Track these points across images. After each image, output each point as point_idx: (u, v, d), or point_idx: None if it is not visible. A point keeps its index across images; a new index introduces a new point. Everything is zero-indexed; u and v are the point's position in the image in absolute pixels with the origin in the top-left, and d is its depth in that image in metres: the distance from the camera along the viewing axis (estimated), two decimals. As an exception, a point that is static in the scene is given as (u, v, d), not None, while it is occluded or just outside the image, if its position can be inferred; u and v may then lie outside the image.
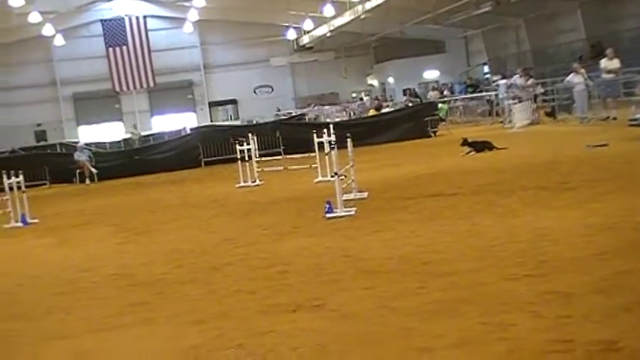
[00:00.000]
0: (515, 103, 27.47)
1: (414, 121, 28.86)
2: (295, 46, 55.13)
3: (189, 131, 34.50)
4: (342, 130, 19.55)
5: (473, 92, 38.41)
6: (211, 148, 27.60)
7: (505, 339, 5.15)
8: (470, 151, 18.83)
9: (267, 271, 8.26)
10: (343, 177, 12.55)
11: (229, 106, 55.73)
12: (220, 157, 26.62)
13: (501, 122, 29.30)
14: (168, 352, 5.78)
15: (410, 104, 33.75)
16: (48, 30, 47.12)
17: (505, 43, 44.91)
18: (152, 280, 8.58)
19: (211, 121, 51.09)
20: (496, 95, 32.40)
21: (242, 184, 18.14)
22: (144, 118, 53.29)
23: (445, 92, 41.78)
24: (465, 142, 19.22)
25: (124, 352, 5.95)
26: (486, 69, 47.36)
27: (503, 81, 30.96)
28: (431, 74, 50.68)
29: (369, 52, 54.48)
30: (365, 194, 13.37)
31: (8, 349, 6.35)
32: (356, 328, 5.83)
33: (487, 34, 46.14)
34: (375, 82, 55.45)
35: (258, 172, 18.52)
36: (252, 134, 19.52)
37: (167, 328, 6.48)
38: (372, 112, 33.98)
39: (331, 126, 15.13)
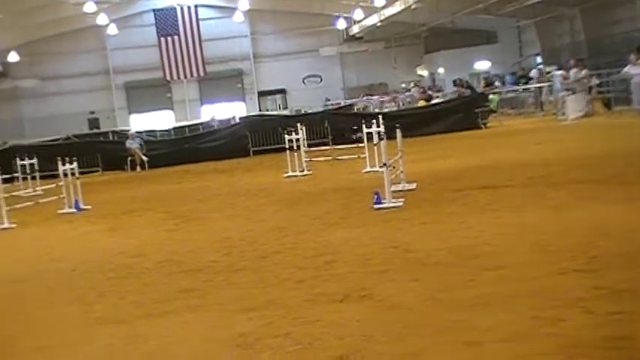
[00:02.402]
0: (568, 95, 27.01)
1: (465, 112, 28.56)
2: (345, 36, 54.98)
3: (238, 120, 34.69)
4: (391, 120, 19.47)
5: (526, 83, 37.85)
6: (260, 137, 27.74)
7: (556, 334, 5.08)
8: None
9: (315, 261, 8.29)
10: (392, 168, 12.51)
11: (278, 96, 55.90)
12: (269, 147, 26.76)
13: (554, 114, 28.84)
14: (216, 339, 5.84)
15: (461, 94, 33.34)
16: (102, 19, 47.86)
17: (559, 34, 44.08)
18: (201, 267, 8.68)
19: (260, 111, 51.32)
20: (550, 86, 31.87)
21: (290, 173, 18.20)
22: (193, 106, 53.78)
23: (496, 83, 41.23)
24: None
25: (173, 337, 6.03)
26: (539, 59, 46.59)
27: (559, 72, 30.41)
28: (482, 65, 50.07)
29: (419, 42, 54.07)
30: (413, 185, 13.30)
31: (64, 332, 6.49)
32: (403, 319, 5.82)
33: (540, 24, 45.35)
34: (425, 73, 55.04)
35: (306, 161, 18.56)
36: (301, 124, 19.56)
37: (216, 315, 6.56)
38: (421, 103, 33.74)
39: (380, 116, 15.08)
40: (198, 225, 12.27)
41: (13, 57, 48.14)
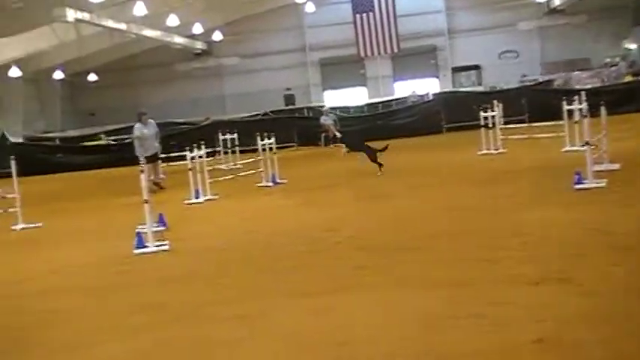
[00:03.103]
0: None
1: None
2: (546, 9, 52.74)
3: (431, 97, 34.39)
4: (594, 97, 18.46)
5: None
6: (453, 114, 27.34)
7: None
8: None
9: (508, 241, 8.03)
10: (594, 147, 11.85)
11: (472, 72, 54.72)
12: (462, 124, 26.27)
13: None
14: (403, 317, 5.81)
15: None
16: (301, -2, 49.13)
17: None
18: (388, 244, 8.69)
19: (454, 87, 50.55)
20: None
21: (484, 151, 17.79)
22: (386, 83, 53.93)
23: None
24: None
25: (360, 312, 6.06)
26: None
27: None
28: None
29: (627, 13, 50.74)
30: (617, 166, 12.53)
31: (261, 302, 6.73)
32: (601, 306, 5.51)
33: None
34: (634, 46, 51.64)
35: (501, 139, 18.06)
36: (497, 100, 19.04)
37: (404, 292, 6.52)
38: (628, 78, 31.74)
39: (582, 93, 14.34)
40: (388, 202, 12.30)
41: (217, 36, 50.60)
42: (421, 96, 38.77)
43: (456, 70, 55.13)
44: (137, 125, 17.86)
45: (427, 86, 48.35)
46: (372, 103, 42.16)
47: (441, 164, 17.08)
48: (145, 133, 17.57)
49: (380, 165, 16.09)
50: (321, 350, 5.21)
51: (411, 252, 8.08)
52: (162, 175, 18.03)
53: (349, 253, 8.41)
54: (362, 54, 52.53)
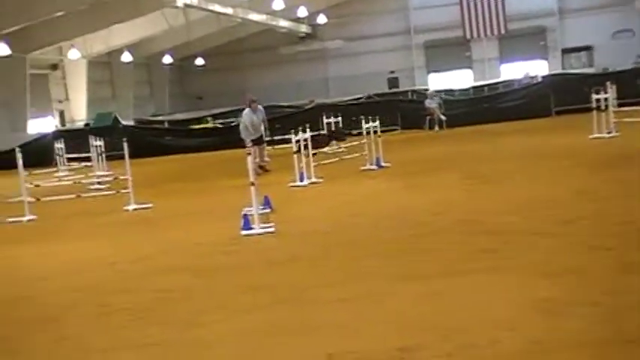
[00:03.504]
0: None
1: None
2: (664, -14, 50.29)
3: (540, 79, 33.43)
4: None
5: None
6: (563, 96, 26.49)
7: None
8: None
9: (623, 228, 7.71)
10: None
11: (583, 53, 52.88)
12: (573, 107, 25.40)
13: None
14: (518, 303, 5.65)
15: None
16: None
17: None
18: (500, 228, 8.48)
19: (563, 69, 48.97)
20: None
21: (596, 135, 17.14)
22: (492, 65, 52.82)
23: None
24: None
25: (473, 297, 5.94)
26: None
27: None
28: None
29: None
30: None
31: (367, 285, 6.69)
32: None
33: None
34: None
35: (614, 122, 17.36)
36: (610, 82, 18.32)
37: (515, 278, 6.36)
38: None
39: None
40: (495, 186, 12.04)
41: (321, 19, 50.76)
42: (532, 77, 37.74)
43: (566, 51, 53.39)
44: (247, 111, 18.10)
45: (536, 68, 47.04)
46: (478, 86, 41.39)
47: (552, 148, 16.57)
48: (254, 121, 17.79)
49: None
50: (429, 334, 5.12)
51: (527, 236, 7.87)
52: (267, 159, 18.24)
53: (457, 237, 8.27)
54: (468, 36, 51.63)
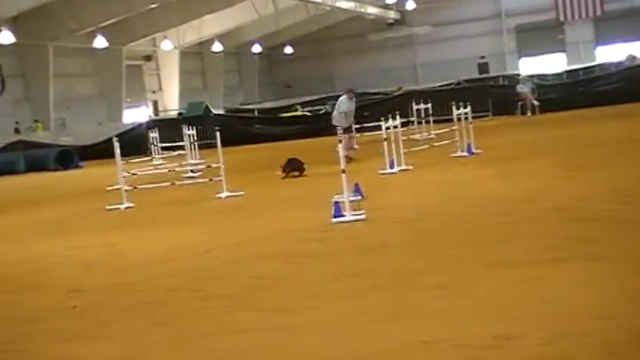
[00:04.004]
0: None
1: None
2: None
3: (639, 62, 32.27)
4: None
5: None
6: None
7: None
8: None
9: None
10: None
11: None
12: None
13: None
14: (613, 292, 5.49)
15: None
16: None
17: None
18: (596, 215, 8.26)
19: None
20: None
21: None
22: (587, 48, 51.29)
23: None
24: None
25: (567, 286, 5.80)
26: None
27: None
28: None
29: None
30: None
31: (462, 272, 6.64)
32: None
33: None
34: None
35: None
36: None
37: (612, 267, 6.18)
38: None
39: None
40: (591, 172, 11.71)
41: (410, 5, 50.35)
42: (635, 58, 36.28)
43: (667, 32, 51.20)
44: (344, 99, 18.32)
45: (635, 50, 45.32)
46: (572, 70, 40.28)
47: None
48: (350, 109, 18.12)
49: None
50: (524, 322, 5.04)
51: (625, 224, 7.64)
52: (355, 146, 18.31)
53: (552, 224, 8.10)
54: (561, 18, 50.18)
